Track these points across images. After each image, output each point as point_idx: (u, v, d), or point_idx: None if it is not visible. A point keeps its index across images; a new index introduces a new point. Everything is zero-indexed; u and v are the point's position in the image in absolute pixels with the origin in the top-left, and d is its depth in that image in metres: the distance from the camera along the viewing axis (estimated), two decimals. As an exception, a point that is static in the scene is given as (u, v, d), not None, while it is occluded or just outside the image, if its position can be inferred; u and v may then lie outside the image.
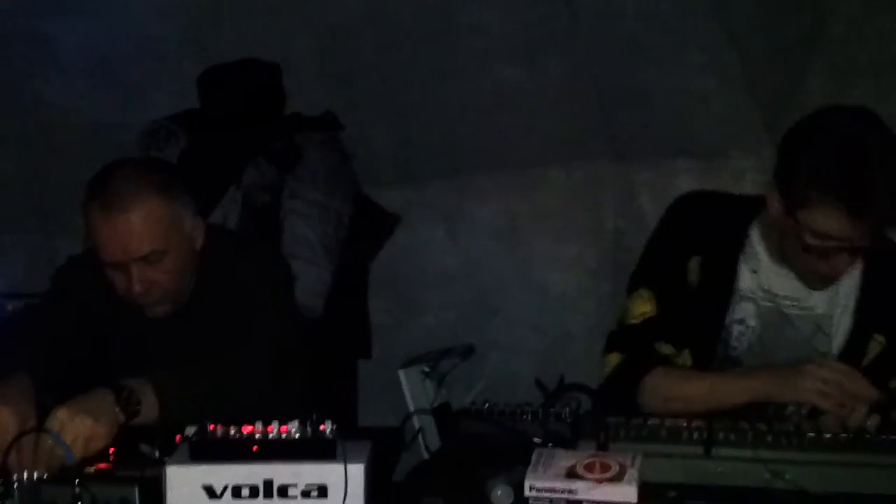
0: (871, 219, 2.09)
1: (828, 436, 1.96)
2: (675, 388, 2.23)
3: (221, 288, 2.42)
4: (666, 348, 2.31)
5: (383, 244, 3.92)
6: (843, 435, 1.97)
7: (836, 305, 2.33)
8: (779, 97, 3.53)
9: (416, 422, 3.08)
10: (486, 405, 2.18)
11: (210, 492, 1.75)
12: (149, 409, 2.11)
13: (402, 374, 3.51)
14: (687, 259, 2.32)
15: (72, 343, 2.45)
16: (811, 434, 1.96)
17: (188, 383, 2.18)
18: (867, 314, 2.33)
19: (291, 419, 1.81)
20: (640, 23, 3.63)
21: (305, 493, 1.75)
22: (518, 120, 3.95)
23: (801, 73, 3.66)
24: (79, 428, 1.96)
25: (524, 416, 2.13)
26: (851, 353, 2.32)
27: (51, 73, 4.05)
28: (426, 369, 3.66)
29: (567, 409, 2.13)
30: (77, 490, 1.77)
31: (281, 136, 3.56)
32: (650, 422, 2.04)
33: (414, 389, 3.52)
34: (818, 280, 2.27)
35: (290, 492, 1.75)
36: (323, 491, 1.75)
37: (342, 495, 1.75)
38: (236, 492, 1.75)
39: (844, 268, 2.21)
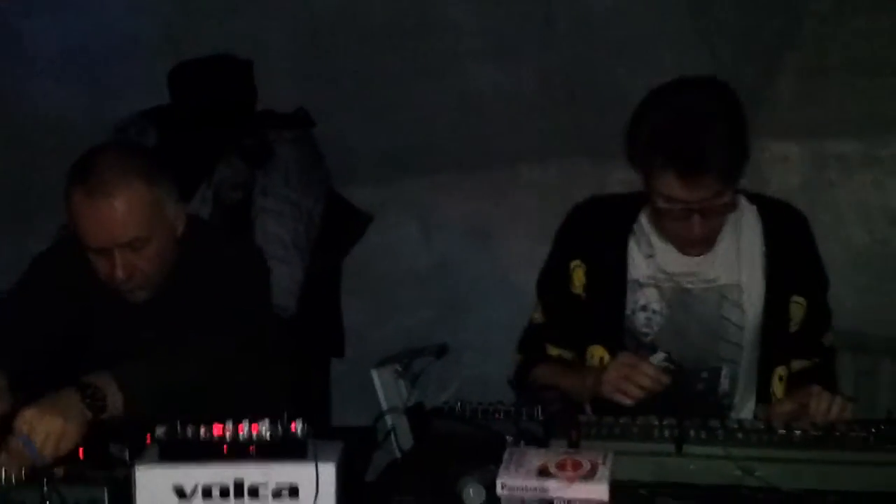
0: (702, 178, 2.17)
1: (798, 433, 1.97)
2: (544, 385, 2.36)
3: (200, 277, 2.40)
4: (553, 350, 2.50)
5: (356, 243, 3.90)
6: (814, 432, 1.98)
7: (739, 272, 2.40)
8: (750, 96, 3.51)
9: (388, 421, 3.06)
10: (459, 404, 2.19)
11: (180, 492, 1.75)
12: (114, 403, 2.08)
13: (374, 373, 3.46)
14: (568, 264, 2.47)
15: (48, 334, 2.44)
16: (781, 431, 1.97)
17: (154, 376, 2.16)
18: (779, 276, 2.39)
19: (263, 417, 1.80)
20: (613, 22, 3.64)
21: (276, 494, 1.75)
22: (492, 119, 3.95)
23: (772, 72, 3.69)
24: (49, 427, 1.94)
25: (496, 415, 2.13)
26: (772, 318, 2.39)
27: (22, 70, 4.01)
28: (399, 369, 3.63)
29: (539, 407, 2.13)
30: (46, 490, 1.75)
31: (252, 132, 3.55)
32: (622, 420, 2.05)
33: (387, 389, 3.48)
34: (688, 245, 2.36)
35: (261, 491, 1.75)
36: (294, 491, 1.74)
37: (313, 495, 1.74)
38: (206, 492, 1.74)
39: (703, 230, 2.29)
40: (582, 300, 2.45)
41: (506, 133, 3.98)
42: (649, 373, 2.17)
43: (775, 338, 2.40)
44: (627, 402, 2.14)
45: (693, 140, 2.17)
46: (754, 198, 2.46)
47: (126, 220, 2.26)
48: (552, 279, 2.51)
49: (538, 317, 2.53)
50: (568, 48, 3.75)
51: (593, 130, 3.92)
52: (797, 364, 2.40)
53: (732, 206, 2.30)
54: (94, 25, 3.88)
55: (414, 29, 3.81)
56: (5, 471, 1.83)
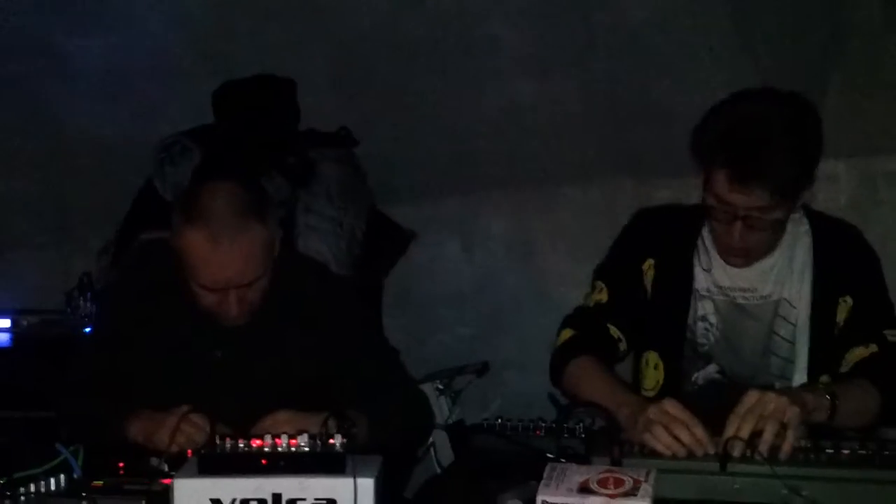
0: (752, 186, 2.16)
1: (846, 451, 1.93)
2: (581, 383, 2.30)
3: (287, 298, 2.41)
4: (615, 331, 2.42)
5: (398, 260, 3.91)
6: (862, 451, 1.94)
7: (791, 287, 2.37)
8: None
9: (429, 437, 3.06)
10: (499, 420, 2.17)
11: (218, 505, 1.73)
12: (361, 436, 2.11)
13: (416, 390, 3.49)
14: (642, 261, 2.44)
15: (141, 366, 2.43)
16: (829, 450, 1.93)
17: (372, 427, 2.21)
18: (825, 280, 2.36)
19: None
20: (657, 37, 3.62)
21: (314, 508, 1.73)
22: (533, 136, 3.95)
23: (819, 88, 3.64)
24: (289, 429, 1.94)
25: (537, 432, 2.11)
26: (819, 322, 2.35)
27: (65, 89, 4.06)
28: (440, 386, 3.64)
29: (580, 424, 2.11)
30: (84, 503, 1.75)
31: (295, 151, 3.57)
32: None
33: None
34: (727, 252, 2.35)
35: (299, 506, 1.73)
36: (332, 505, 1.73)
37: (351, 510, 1.72)
38: (244, 505, 1.73)
39: (744, 240, 2.26)
40: (649, 300, 2.44)
41: (547, 150, 3.97)
42: (695, 431, 1.96)
43: (822, 346, 2.36)
44: (658, 448, 1.97)
45: (750, 146, 2.16)
46: (811, 215, 2.43)
47: (248, 264, 2.26)
48: (622, 270, 2.47)
49: (601, 297, 2.45)
50: (610, 64, 3.73)
51: (636, 148, 3.91)
52: (852, 355, 2.32)
53: (780, 226, 2.28)
54: (134, 44, 3.92)
55: (455, 45, 3.81)
56: (178, 445, 2.05)
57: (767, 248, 2.35)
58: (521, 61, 3.81)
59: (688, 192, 3.74)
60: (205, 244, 2.22)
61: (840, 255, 2.39)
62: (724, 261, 2.37)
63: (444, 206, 4.19)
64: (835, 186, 3.82)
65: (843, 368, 2.32)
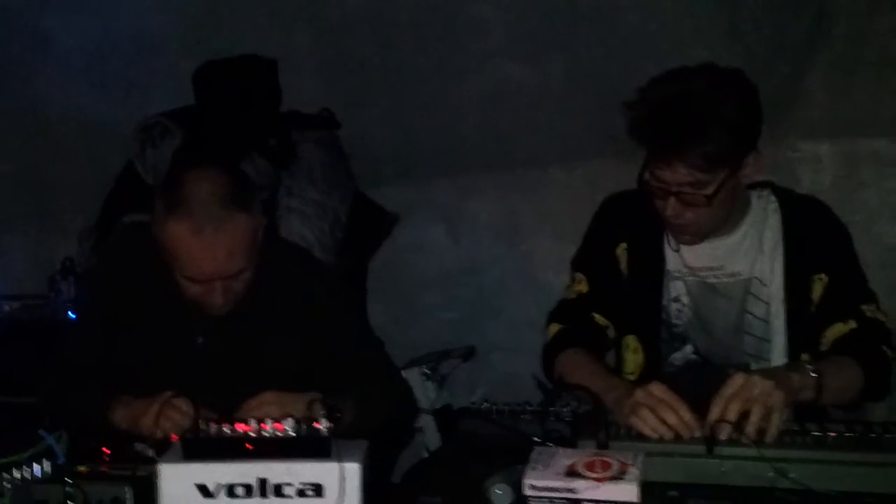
0: (677, 163, 2.18)
1: (833, 434, 1.93)
2: (570, 374, 2.30)
3: (271, 285, 2.40)
4: (600, 319, 2.46)
5: (382, 243, 3.89)
6: (849, 433, 1.94)
7: (762, 266, 2.39)
8: (781, 94, 3.50)
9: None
10: (486, 404, 2.16)
11: (204, 490, 1.73)
12: (345, 422, 2.10)
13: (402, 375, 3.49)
14: (615, 247, 2.47)
15: (125, 349, 2.43)
16: (816, 432, 1.93)
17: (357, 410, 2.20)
18: (798, 261, 2.37)
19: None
20: (642, 19, 3.61)
21: (301, 492, 1.72)
22: (519, 118, 3.94)
23: (803, 70, 3.64)
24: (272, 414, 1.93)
25: (524, 416, 2.11)
26: (795, 300, 2.36)
27: (48, 70, 4.03)
28: (427, 370, 3.64)
29: (567, 408, 2.10)
30: (69, 489, 1.74)
31: (277, 133, 3.54)
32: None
33: (414, 390, 3.49)
34: (673, 231, 2.37)
35: (286, 490, 1.72)
36: (318, 490, 1.72)
37: (338, 494, 1.72)
38: (230, 491, 1.72)
39: (680, 215, 2.27)
40: (626, 283, 2.46)
41: (533, 133, 3.96)
42: (682, 414, 1.96)
43: (799, 325, 2.37)
44: (645, 431, 1.97)
45: (668, 123, 2.17)
46: (779, 192, 2.45)
47: (232, 256, 2.24)
48: (598, 258, 2.49)
49: (582, 288, 2.48)
50: (596, 46, 3.72)
51: (621, 130, 3.89)
52: (831, 332, 2.32)
53: (722, 201, 2.26)
54: (120, 25, 3.90)
55: (439, 28, 3.79)
56: (163, 430, 2.05)
57: (716, 224, 2.34)
58: (507, 43, 3.80)
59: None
60: (188, 236, 2.20)
61: (811, 232, 2.39)
62: (676, 239, 2.39)
63: (428, 189, 4.18)
64: (818, 168, 3.82)
65: (823, 346, 2.33)
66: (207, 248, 2.21)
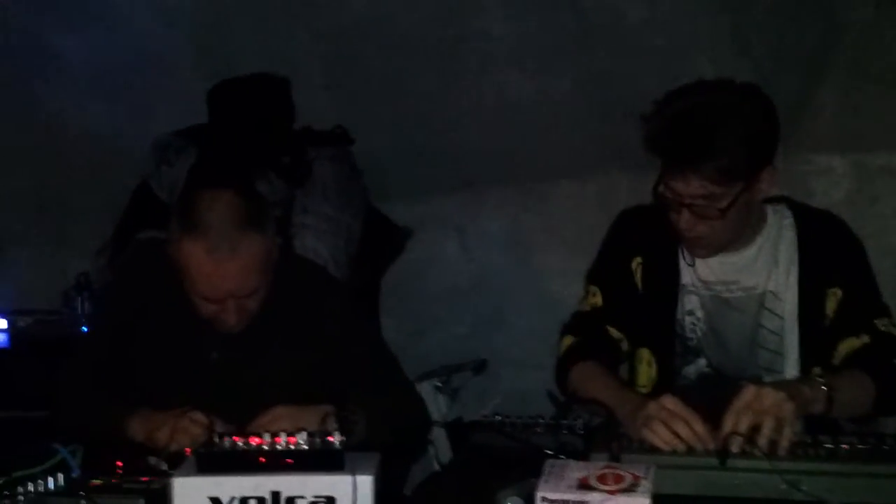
0: (691, 176, 2.18)
1: (845, 446, 1.92)
2: (584, 387, 2.30)
3: (286, 302, 2.41)
4: (615, 333, 2.45)
5: (395, 259, 3.90)
6: (861, 445, 1.94)
7: (776, 280, 2.39)
8: (791, 107, 3.51)
9: (427, 435, 3.05)
10: (498, 417, 2.16)
11: (217, 503, 1.73)
12: (360, 433, 2.12)
13: (414, 388, 3.49)
14: (630, 261, 2.47)
15: (141, 363, 2.44)
16: (828, 444, 1.93)
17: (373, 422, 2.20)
18: (812, 275, 2.37)
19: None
20: (650, 31, 3.62)
21: (313, 505, 1.73)
22: (528, 131, 3.94)
23: (815, 82, 3.64)
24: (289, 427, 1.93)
25: (536, 429, 2.11)
26: (808, 314, 2.36)
27: (58, 86, 4.05)
28: (438, 384, 3.65)
29: (579, 420, 2.10)
30: (82, 502, 1.75)
31: (291, 150, 3.56)
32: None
33: (426, 404, 3.50)
34: (687, 243, 2.37)
35: (298, 503, 1.72)
36: (331, 503, 1.73)
37: (351, 507, 1.72)
38: (244, 503, 1.73)
39: (693, 227, 2.28)
40: (641, 297, 2.46)
41: (542, 147, 3.97)
42: (695, 427, 1.96)
43: (812, 339, 2.37)
44: (658, 444, 1.97)
45: (684, 135, 2.19)
46: (794, 207, 2.45)
47: (248, 275, 2.26)
48: (613, 271, 2.49)
49: (596, 301, 2.48)
50: (605, 59, 3.73)
51: (630, 143, 3.89)
52: (844, 346, 2.32)
53: (736, 214, 2.26)
54: (129, 42, 3.92)
55: (448, 40, 3.80)
56: (178, 443, 2.06)
57: (730, 237, 2.35)
58: (515, 58, 3.81)
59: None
60: (204, 257, 2.21)
61: (826, 247, 2.39)
62: (690, 252, 2.39)
63: (440, 204, 4.19)
64: (831, 181, 3.82)
65: (836, 360, 2.33)
66: (222, 269, 2.22)
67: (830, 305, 2.36)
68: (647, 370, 2.47)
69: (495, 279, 4.19)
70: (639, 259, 2.46)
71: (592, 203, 3.99)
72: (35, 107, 4.10)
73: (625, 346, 2.47)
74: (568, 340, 2.47)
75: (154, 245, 2.51)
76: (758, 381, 2.15)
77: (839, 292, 2.35)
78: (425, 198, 4.15)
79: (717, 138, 2.18)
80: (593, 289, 2.49)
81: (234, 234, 2.21)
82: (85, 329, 3.60)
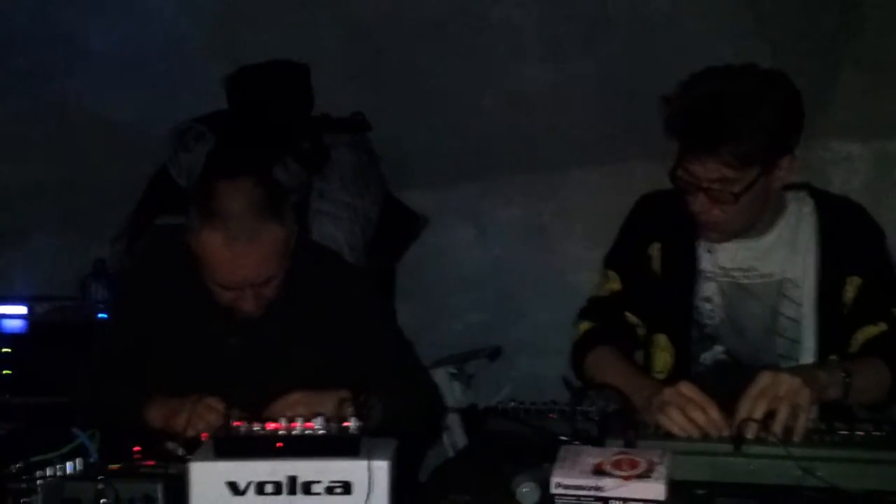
0: (708, 159, 2.18)
1: (860, 433, 1.93)
2: (600, 373, 2.31)
3: (303, 288, 2.42)
4: (632, 318, 2.46)
5: (410, 245, 3.91)
6: (876, 432, 1.93)
7: (795, 267, 2.38)
8: (812, 92, 3.47)
9: (442, 421, 3.06)
10: (512, 404, 2.17)
11: (234, 488, 1.73)
12: (376, 417, 2.13)
13: (429, 375, 3.50)
14: (647, 245, 2.47)
15: (158, 349, 2.46)
16: (843, 431, 1.93)
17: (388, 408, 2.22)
18: (832, 263, 2.36)
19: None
20: (669, 20, 3.61)
21: (329, 490, 1.73)
22: (546, 119, 3.94)
23: (834, 67, 3.62)
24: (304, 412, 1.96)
25: (551, 415, 2.11)
26: (827, 302, 2.35)
27: (75, 72, 4.06)
28: (453, 371, 3.65)
29: (594, 407, 2.11)
30: (100, 486, 1.76)
31: (309, 136, 3.57)
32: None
33: (441, 390, 3.51)
34: (702, 227, 2.36)
35: (314, 489, 1.73)
36: (347, 488, 1.73)
37: (366, 492, 1.73)
38: (260, 488, 1.73)
39: (709, 211, 2.27)
40: (658, 282, 2.46)
41: (559, 134, 3.96)
42: (710, 413, 1.97)
43: (830, 326, 2.36)
44: (673, 430, 1.98)
45: (702, 118, 2.19)
46: (815, 194, 2.44)
47: (265, 264, 2.26)
48: (631, 256, 2.49)
49: (614, 286, 2.48)
50: (625, 47, 3.72)
51: (649, 132, 3.87)
52: (862, 334, 2.32)
53: (752, 199, 2.26)
54: (147, 29, 3.92)
55: (467, 29, 3.80)
56: (195, 429, 2.08)
57: (744, 223, 2.34)
58: (534, 44, 3.80)
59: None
60: (222, 246, 2.22)
61: (846, 234, 2.38)
62: (703, 236, 2.39)
63: (456, 191, 4.19)
64: (850, 168, 3.80)
65: (853, 348, 2.32)
66: (239, 258, 2.23)
67: (849, 293, 2.35)
68: (663, 356, 2.46)
69: (511, 266, 4.19)
70: (657, 244, 2.46)
71: (610, 191, 3.97)
72: (55, 94, 4.11)
73: (641, 331, 2.47)
74: (585, 326, 2.47)
75: (171, 231, 2.52)
76: (774, 368, 2.15)
77: (858, 280, 2.35)
78: (443, 185, 4.16)
79: (736, 123, 2.17)
80: (611, 273, 2.50)
81: (253, 223, 2.22)
82: (103, 315, 3.62)
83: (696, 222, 2.36)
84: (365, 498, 1.72)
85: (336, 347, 2.40)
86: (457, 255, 4.22)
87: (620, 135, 3.89)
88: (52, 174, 4.31)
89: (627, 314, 2.46)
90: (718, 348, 2.43)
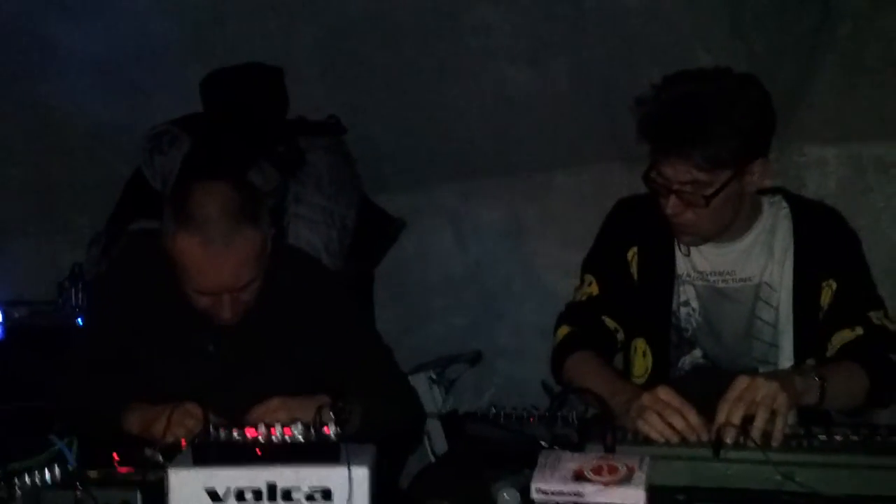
0: (678, 161, 2.20)
1: (839, 437, 1.93)
2: (579, 377, 2.30)
3: (280, 294, 2.41)
4: (610, 323, 2.46)
5: (388, 250, 3.90)
6: (854, 436, 1.94)
7: (772, 271, 2.39)
8: (786, 95, 3.51)
9: (422, 426, 3.05)
10: (493, 409, 2.16)
11: (213, 495, 1.73)
12: (354, 424, 2.12)
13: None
14: (625, 250, 2.47)
15: (136, 358, 2.44)
16: (822, 436, 1.94)
17: (367, 414, 2.21)
18: (807, 267, 2.38)
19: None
20: (645, 21, 3.61)
21: (309, 497, 1.73)
22: (524, 122, 3.94)
23: (808, 70, 3.64)
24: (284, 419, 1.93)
25: (531, 420, 2.10)
26: (803, 306, 2.37)
27: (53, 75, 4.03)
28: (433, 376, 3.65)
29: (574, 412, 2.11)
30: (79, 494, 1.75)
31: (284, 140, 3.55)
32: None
33: (421, 396, 3.50)
34: (674, 230, 2.37)
35: (294, 495, 1.73)
36: (327, 494, 1.73)
37: (346, 499, 1.72)
38: (239, 495, 1.73)
39: (679, 214, 2.29)
40: (636, 287, 2.46)
41: (538, 136, 3.96)
42: (689, 417, 1.96)
43: (806, 330, 2.38)
44: (652, 435, 1.97)
45: (672, 121, 2.21)
46: (790, 198, 2.46)
47: (242, 269, 2.25)
48: (609, 261, 2.50)
49: (592, 290, 2.48)
50: (602, 49, 3.72)
51: (627, 134, 3.88)
52: (838, 338, 2.33)
53: (725, 203, 2.27)
54: (125, 29, 3.90)
55: (443, 30, 3.79)
56: (174, 435, 2.06)
57: (717, 226, 2.35)
58: (512, 47, 3.80)
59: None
60: (198, 251, 2.21)
61: (821, 239, 2.40)
62: (678, 239, 2.40)
63: (435, 195, 4.18)
64: (824, 172, 3.82)
65: (830, 352, 2.34)
66: (216, 263, 2.22)
67: (825, 297, 2.37)
68: (642, 361, 2.47)
69: (491, 270, 4.19)
70: (634, 249, 2.47)
71: (589, 194, 3.99)
72: (31, 96, 4.09)
73: (620, 336, 2.48)
74: (563, 330, 2.47)
75: (148, 236, 2.51)
76: (751, 373, 2.16)
77: (834, 284, 2.36)
78: (421, 188, 4.15)
79: (707, 126, 2.19)
80: (589, 278, 2.50)
81: (229, 228, 2.21)
82: (80, 320, 3.60)
83: (670, 225, 2.37)
84: (345, 504, 1.72)
85: (314, 353, 2.39)
86: (436, 258, 4.22)
87: (598, 136, 3.90)
88: (26, 175, 4.28)
89: (606, 319, 2.46)
90: (697, 353, 2.44)
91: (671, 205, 2.28)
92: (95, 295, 2.54)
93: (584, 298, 2.49)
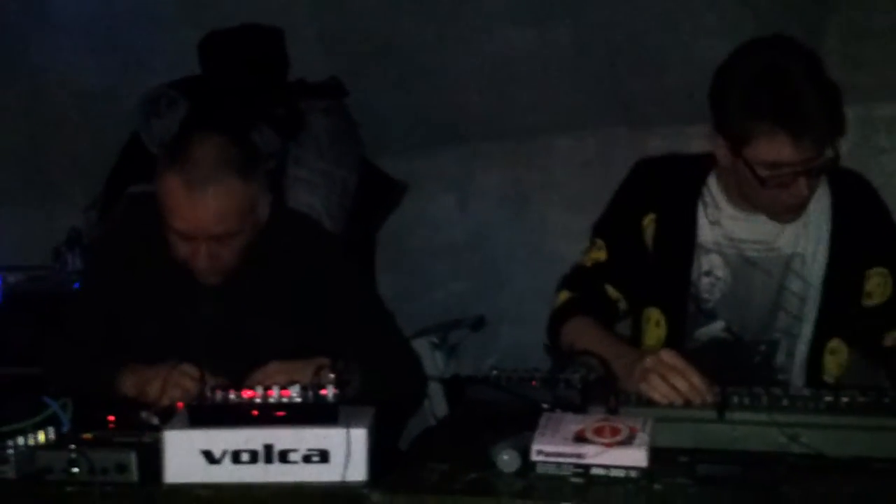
0: (811, 135, 2.13)
1: (845, 399, 1.90)
2: (579, 340, 2.25)
3: (273, 258, 2.39)
4: (613, 292, 2.39)
5: (390, 213, 3.87)
6: (861, 398, 1.91)
7: (807, 243, 2.34)
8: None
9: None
10: (494, 372, 2.14)
11: (209, 456, 1.71)
12: (354, 388, 2.09)
13: (410, 344, 3.48)
14: (641, 217, 2.39)
15: (127, 320, 2.42)
16: (828, 398, 1.91)
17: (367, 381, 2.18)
18: (846, 248, 2.33)
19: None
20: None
21: (307, 458, 1.71)
22: (527, 85, 3.90)
23: (816, 34, 3.59)
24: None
25: (533, 383, 2.08)
26: (835, 290, 2.33)
27: (47, 39, 4.01)
28: (435, 341, 3.64)
29: (576, 375, 2.08)
30: (73, 455, 1.73)
31: (284, 102, 3.52)
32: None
33: (423, 360, 3.49)
34: (787, 212, 2.29)
35: (291, 457, 1.71)
36: (324, 456, 1.71)
37: (344, 460, 1.70)
38: (235, 457, 1.71)
39: (808, 192, 2.22)
40: (650, 255, 2.39)
41: (540, 101, 3.93)
42: (692, 379, 1.94)
43: (835, 310, 2.33)
44: (655, 397, 1.95)
45: (797, 98, 2.12)
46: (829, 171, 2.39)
47: (219, 215, 2.23)
48: (621, 226, 2.42)
49: (600, 255, 2.41)
50: (605, 13, 3.68)
51: (631, 97, 3.85)
52: (891, 338, 2.30)
53: (832, 163, 2.22)
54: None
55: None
56: (170, 397, 2.06)
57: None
58: (513, 9, 3.75)
59: (682, 140, 3.71)
60: (180, 188, 2.20)
61: (863, 220, 2.35)
62: (778, 220, 2.31)
63: (436, 158, 4.15)
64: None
65: (889, 342, 2.30)
66: (195, 204, 2.21)
67: (877, 286, 2.33)
68: (655, 330, 2.40)
69: (493, 235, 4.17)
70: (652, 216, 2.39)
71: (591, 158, 3.96)
72: (23, 60, 4.06)
73: (622, 305, 2.42)
74: (564, 295, 2.42)
75: (144, 199, 2.48)
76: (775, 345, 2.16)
77: (887, 272, 2.32)
78: (423, 152, 4.12)
79: (821, 93, 2.14)
80: (599, 242, 2.43)
81: (213, 172, 2.20)
82: (76, 285, 3.58)
83: (777, 210, 2.28)
84: (342, 466, 1.70)
85: (313, 317, 2.37)
86: (438, 223, 4.19)
87: (602, 101, 3.86)
88: (19, 141, 4.26)
89: (609, 287, 2.40)
90: (718, 325, 2.37)
91: (804, 185, 2.19)
92: (91, 259, 2.53)
93: (589, 264, 2.43)
